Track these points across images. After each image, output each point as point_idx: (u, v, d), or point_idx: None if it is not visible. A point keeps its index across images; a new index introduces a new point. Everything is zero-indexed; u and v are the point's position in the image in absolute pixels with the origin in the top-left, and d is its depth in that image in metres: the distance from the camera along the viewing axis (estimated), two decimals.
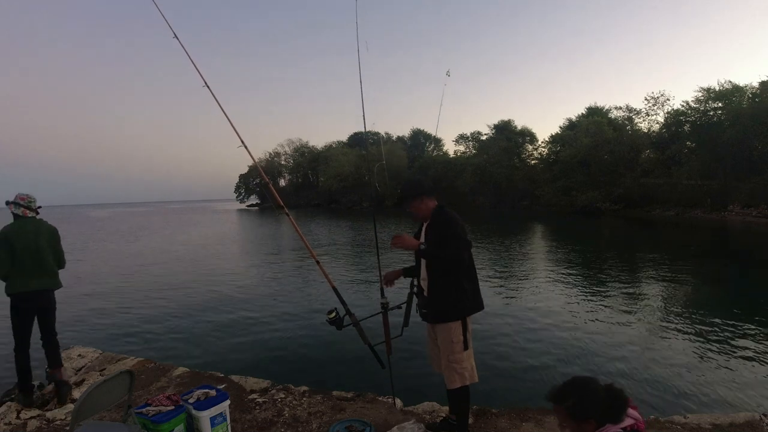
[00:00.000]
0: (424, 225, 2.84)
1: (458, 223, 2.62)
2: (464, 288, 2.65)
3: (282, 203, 3.46)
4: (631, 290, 9.73)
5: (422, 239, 2.78)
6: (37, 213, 3.77)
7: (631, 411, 1.58)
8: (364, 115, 3.60)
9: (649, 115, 43.50)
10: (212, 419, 2.61)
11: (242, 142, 3.32)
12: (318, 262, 3.29)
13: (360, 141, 65.95)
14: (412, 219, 2.87)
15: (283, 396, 3.61)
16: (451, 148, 69.44)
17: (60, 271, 3.85)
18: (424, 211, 2.78)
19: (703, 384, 4.77)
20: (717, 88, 35.69)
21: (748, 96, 34.23)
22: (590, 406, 1.54)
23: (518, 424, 3.11)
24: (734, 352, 5.68)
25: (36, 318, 3.70)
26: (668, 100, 41.65)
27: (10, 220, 3.70)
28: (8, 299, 3.60)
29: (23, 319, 3.60)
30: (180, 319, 7.89)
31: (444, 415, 3.10)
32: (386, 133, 74.31)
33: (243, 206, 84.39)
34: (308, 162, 78.08)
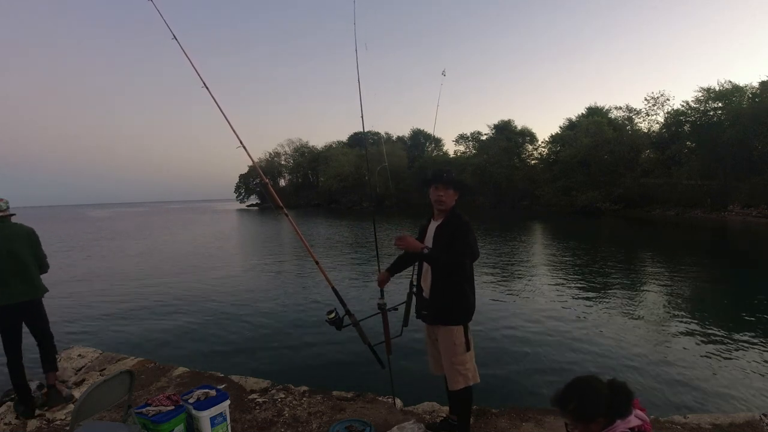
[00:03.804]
0: (435, 223, 2.73)
1: (471, 231, 2.58)
2: (466, 292, 2.62)
3: (281, 203, 3.45)
4: (630, 290, 9.73)
5: (428, 236, 2.72)
6: (8, 216, 3.50)
7: (638, 412, 1.58)
8: (362, 115, 3.61)
9: (649, 115, 43.61)
10: (212, 419, 2.61)
11: (241, 142, 3.31)
12: (317, 263, 3.28)
13: (360, 141, 65.98)
14: (433, 205, 2.69)
15: (283, 396, 3.61)
16: (451, 148, 69.46)
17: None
18: (448, 204, 2.67)
19: (703, 384, 4.77)
20: (717, 88, 35.75)
21: (748, 96, 34.26)
22: (594, 406, 1.53)
23: (518, 424, 3.11)
24: (734, 353, 5.68)
25: (26, 325, 3.49)
26: (668, 100, 41.77)
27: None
28: None
29: (7, 333, 3.38)
30: (180, 319, 7.89)
31: (444, 416, 3.10)
32: (386, 133, 74.23)
33: (243, 206, 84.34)
34: (308, 162, 78.04)
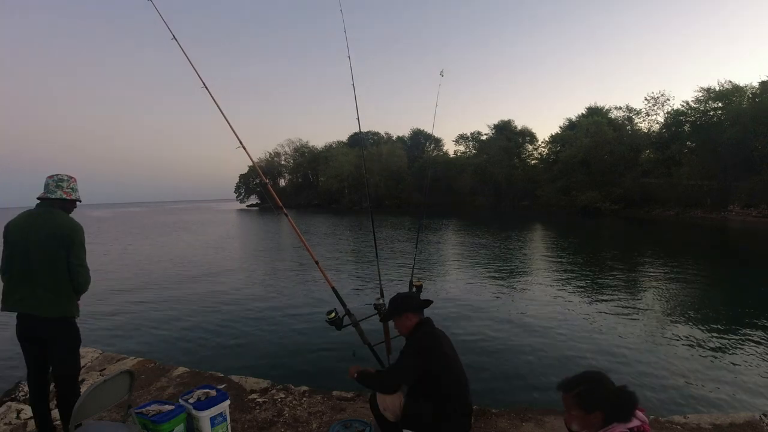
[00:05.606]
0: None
1: (422, 349, 2.40)
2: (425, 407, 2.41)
3: (281, 204, 3.45)
4: (631, 291, 9.73)
5: None
6: (62, 203, 2.68)
7: (637, 412, 1.58)
8: (358, 117, 3.63)
9: (649, 115, 43.72)
10: (212, 419, 2.61)
11: (240, 143, 3.31)
12: (317, 263, 3.28)
13: (360, 141, 66.04)
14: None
15: (283, 396, 3.61)
16: (451, 148, 69.53)
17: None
18: (403, 328, 2.57)
19: (703, 384, 4.77)
20: (717, 88, 35.80)
21: (748, 96, 34.30)
22: (599, 398, 1.55)
23: (518, 424, 3.11)
24: (734, 352, 5.69)
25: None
26: (668, 100, 41.89)
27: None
28: None
29: (23, 351, 2.70)
30: (180, 319, 7.89)
31: None
32: (386, 133, 74.42)
33: (243, 206, 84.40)
34: (308, 162, 78.12)
